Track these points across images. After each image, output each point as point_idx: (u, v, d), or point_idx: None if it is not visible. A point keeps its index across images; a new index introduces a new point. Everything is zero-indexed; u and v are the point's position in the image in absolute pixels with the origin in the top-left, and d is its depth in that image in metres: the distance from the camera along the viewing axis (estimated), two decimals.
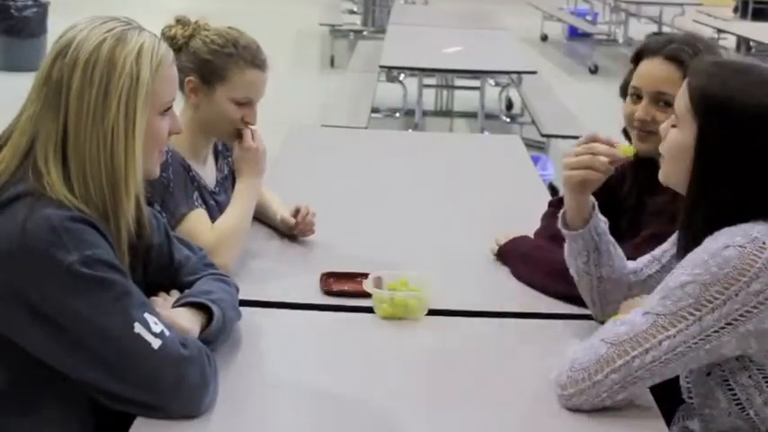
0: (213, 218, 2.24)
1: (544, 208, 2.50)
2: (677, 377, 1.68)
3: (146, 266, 1.77)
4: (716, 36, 9.66)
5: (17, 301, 1.49)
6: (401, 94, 7.59)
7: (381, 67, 6.50)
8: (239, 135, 2.29)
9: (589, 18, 13.00)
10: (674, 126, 1.69)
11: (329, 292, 2.13)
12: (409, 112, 7.31)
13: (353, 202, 2.82)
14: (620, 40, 12.52)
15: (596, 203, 1.90)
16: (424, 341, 1.96)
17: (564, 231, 1.92)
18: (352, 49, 9.54)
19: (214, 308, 1.74)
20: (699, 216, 1.64)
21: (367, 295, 2.04)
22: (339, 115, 5.84)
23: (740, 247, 1.54)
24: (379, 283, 2.06)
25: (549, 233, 2.27)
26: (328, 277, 2.17)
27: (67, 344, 1.50)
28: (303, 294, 2.13)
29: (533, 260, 2.25)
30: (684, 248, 1.64)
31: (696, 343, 1.56)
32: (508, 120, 7.75)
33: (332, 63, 10.10)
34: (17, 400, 1.58)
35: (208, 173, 2.36)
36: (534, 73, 6.50)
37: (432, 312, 2.04)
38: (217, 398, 1.62)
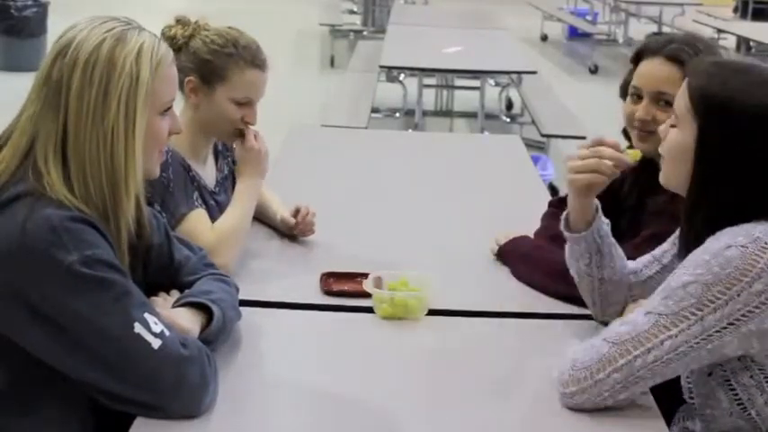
0: (213, 218, 2.24)
1: (544, 208, 2.50)
2: (678, 377, 1.68)
3: (146, 266, 1.77)
4: (716, 36, 9.66)
5: (17, 301, 1.49)
6: (401, 94, 7.59)
7: (381, 67, 6.50)
8: (240, 135, 2.29)
9: (589, 18, 12.99)
10: (673, 126, 1.69)
11: (329, 292, 2.13)
12: (409, 112, 7.30)
13: (353, 202, 2.82)
14: (620, 40, 12.51)
15: (600, 206, 1.89)
16: (424, 341, 1.96)
17: (566, 234, 1.92)
18: (352, 49, 9.53)
19: (214, 308, 1.74)
20: (700, 216, 1.64)
21: (367, 295, 2.04)
22: (339, 115, 5.84)
23: (742, 247, 1.54)
24: (379, 283, 2.06)
25: (550, 233, 2.27)
26: (328, 277, 2.17)
27: (67, 344, 1.50)
28: (303, 294, 2.13)
29: (533, 260, 2.25)
30: (686, 248, 1.64)
31: (698, 343, 1.56)
32: (508, 120, 7.74)
33: (332, 63, 10.09)
34: (17, 400, 1.58)
35: (208, 173, 2.36)
36: (534, 73, 6.50)
37: (432, 312, 2.04)
38: (217, 398, 1.62)
